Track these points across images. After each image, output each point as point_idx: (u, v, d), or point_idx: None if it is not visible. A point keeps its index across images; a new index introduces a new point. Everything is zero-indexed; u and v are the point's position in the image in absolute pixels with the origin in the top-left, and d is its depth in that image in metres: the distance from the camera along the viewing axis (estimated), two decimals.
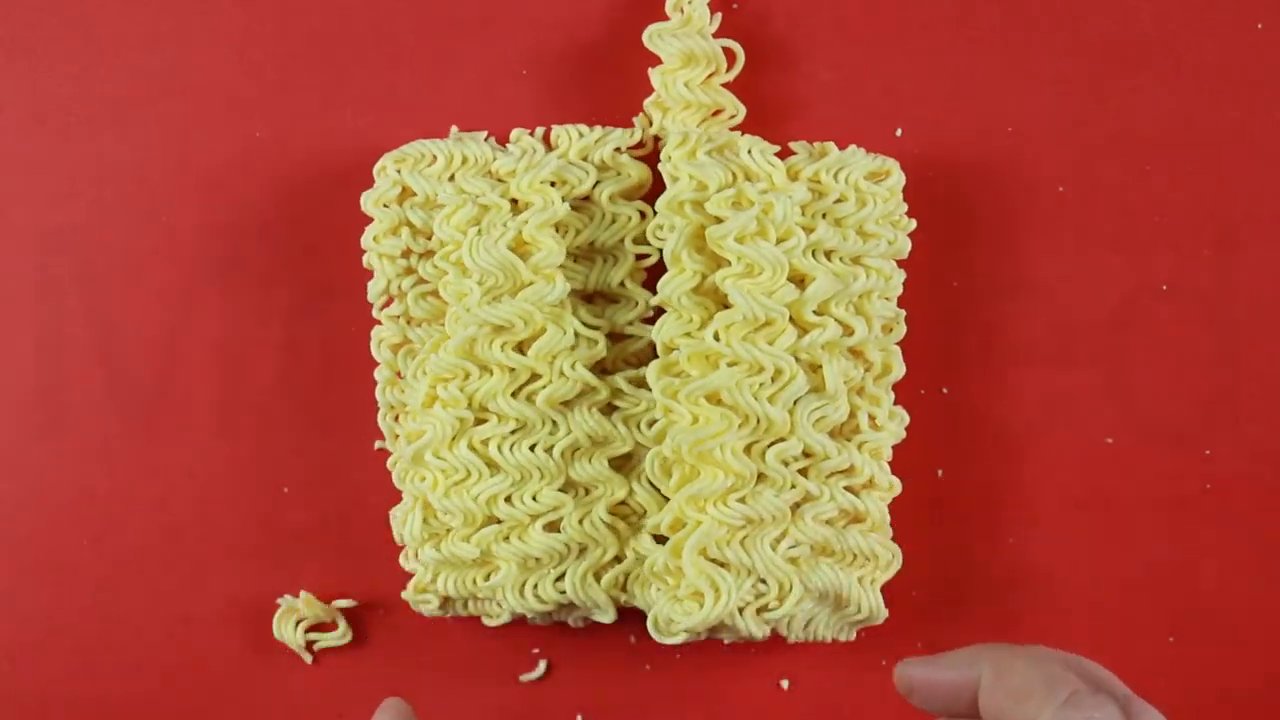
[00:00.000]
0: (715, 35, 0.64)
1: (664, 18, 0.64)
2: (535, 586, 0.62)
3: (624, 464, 0.63)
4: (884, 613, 0.62)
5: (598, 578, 0.62)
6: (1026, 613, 0.65)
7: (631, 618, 0.63)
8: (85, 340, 0.65)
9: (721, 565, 0.60)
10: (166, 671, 0.65)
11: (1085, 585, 0.65)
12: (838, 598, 0.62)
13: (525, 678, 0.65)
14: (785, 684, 0.65)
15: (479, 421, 0.62)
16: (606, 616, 0.62)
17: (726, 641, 0.64)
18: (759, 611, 0.61)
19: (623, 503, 0.63)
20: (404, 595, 0.63)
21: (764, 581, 0.61)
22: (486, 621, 0.63)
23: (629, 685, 0.66)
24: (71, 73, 0.66)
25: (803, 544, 0.61)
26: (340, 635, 0.65)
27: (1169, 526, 0.65)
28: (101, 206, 0.65)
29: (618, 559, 0.62)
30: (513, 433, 0.62)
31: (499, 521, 0.62)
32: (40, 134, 0.66)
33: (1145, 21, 0.65)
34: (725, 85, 0.64)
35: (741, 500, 0.60)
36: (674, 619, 0.60)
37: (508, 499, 0.62)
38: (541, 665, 0.66)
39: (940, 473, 0.65)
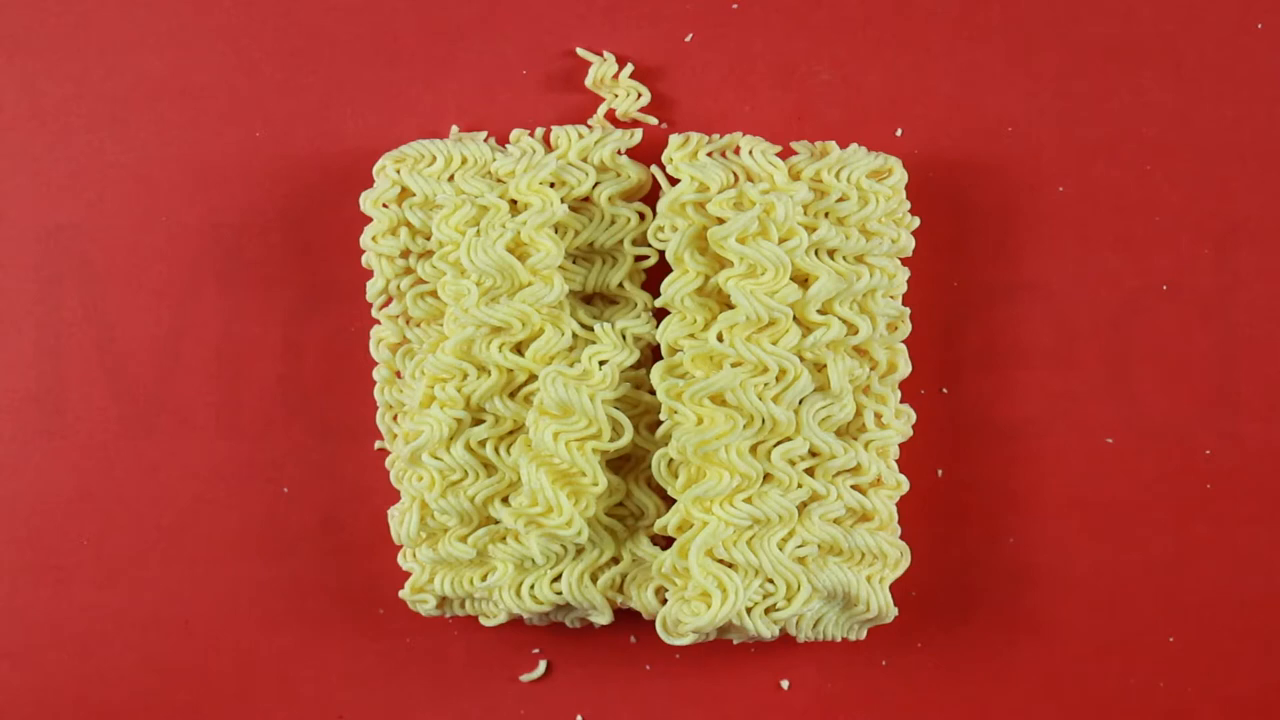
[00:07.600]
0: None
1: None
2: (532, 587, 0.62)
3: (622, 465, 0.63)
4: (894, 611, 0.62)
5: (594, 579, 0.62)
6: (1026, 612, 0.65)
7: (632, 617, 0.63)
8: (85, 340, 0.65)
9: (729, 566, 0.60)
10: (166, 671, 0.65)
11: (1086, 585, 0.65)
12: (846, 597, 0.62)
13: (525, 678, 0.65)
14: (785, 684, 0.65)
15: (476, 422, 0.62)
16: (603, 618, 0.62)
17: (735, 642, 0.64)
18: (767, 611, 0.61)
19: (620, 504, 0.63)
20: (401, 594, 0.63)
21: (772, 581, 0.61)
22: (484, 621, 0.63)
23: (629, 685, 0.66)
24: (71, 73, 0.65)
25: (810, 543, 0.61)
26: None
27: (1169, 526, 0.65)
28: (101, 206, 0.65)
29: (614, 560, 0.62)
30: (509, 433, 0.61)
31: (495, 522, 0.62)
32: (40, 134, 0.65)
33: (1145, 21, 0.65)
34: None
35: (748, 500, 0.60)
36: (682, 620, 0.60)
37: (504, 499, 0.62)
38: (541, 665, 0.66)
39: (940, 472, 0.65)
